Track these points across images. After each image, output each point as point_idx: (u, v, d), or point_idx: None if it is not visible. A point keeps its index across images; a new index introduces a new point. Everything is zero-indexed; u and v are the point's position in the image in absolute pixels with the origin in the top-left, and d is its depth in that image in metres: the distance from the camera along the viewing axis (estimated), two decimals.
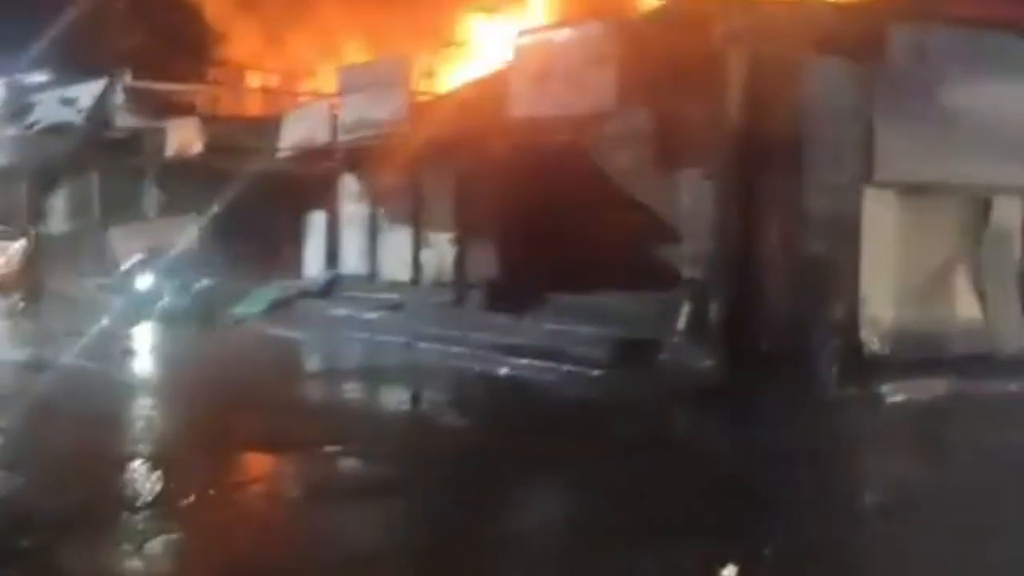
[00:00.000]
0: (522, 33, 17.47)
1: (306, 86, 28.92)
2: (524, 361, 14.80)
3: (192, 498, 8.13)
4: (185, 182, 25.64)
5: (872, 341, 13.91)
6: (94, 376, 13.85)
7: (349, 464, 9.79)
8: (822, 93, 13.61)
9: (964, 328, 14.82)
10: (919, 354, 14.29)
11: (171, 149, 25.53)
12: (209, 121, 26.23)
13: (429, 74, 23.32)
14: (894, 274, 14.22)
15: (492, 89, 18.02)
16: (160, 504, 8.12)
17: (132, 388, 13.90)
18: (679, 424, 11.43)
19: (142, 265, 22.71)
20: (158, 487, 8.53)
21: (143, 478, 8.98)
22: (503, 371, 14.76)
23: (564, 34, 16.38)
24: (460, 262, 19.33)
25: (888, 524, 7.92)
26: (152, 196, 27.48)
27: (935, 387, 12.97)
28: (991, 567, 6.78)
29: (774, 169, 13.60)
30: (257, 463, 10.27)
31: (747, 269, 13.59)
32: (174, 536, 7.38)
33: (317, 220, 23.23)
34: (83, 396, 12.22)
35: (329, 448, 10.05)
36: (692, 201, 14.52)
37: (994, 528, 7.69)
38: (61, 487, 8.56)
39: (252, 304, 21.84)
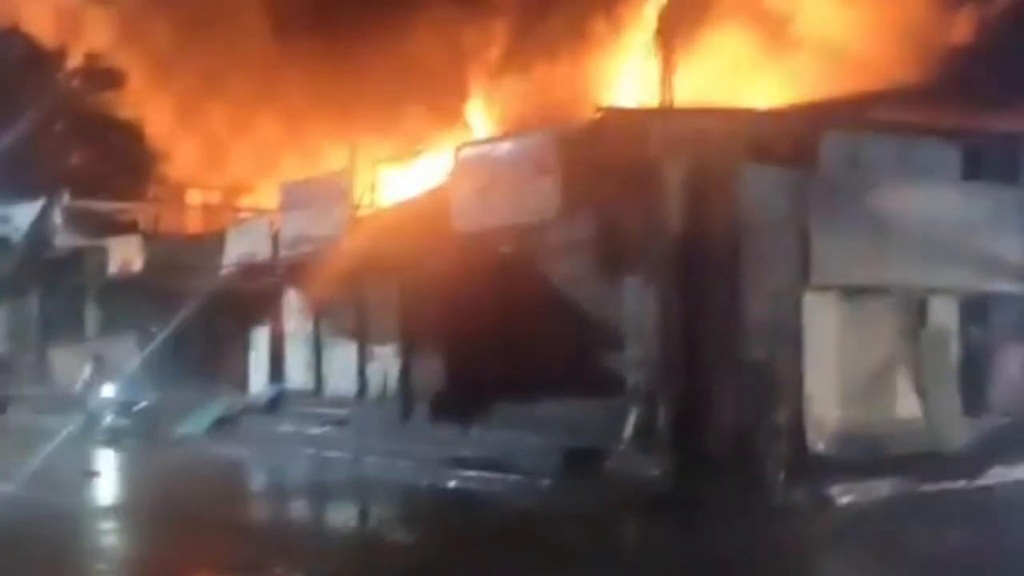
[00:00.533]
0: (463, 146, 17.68)
1: (247, 202, 28.95)
2: (472, 473, 14.69)
3: None
4: (126, 300, 25.47)
5: (817, 443, 14.00)
6: (45, 504, 13.47)
7: None
8: (758, 199, 13.86)
9: (906, 427, 14.96)
10: (864, 454, 14.38)
11: (112, 267, 25.38)
12: (150, 238, 26.16)
13: (371, 187, 23.43)
14: (836, 376, 14.37)
15: (435, 201, 18.16)
16: None
17: (79, 515, 13.53)
18: (628, 534, 11.35)
19: (91, 382, 22.35)
20: None
21: None
22: (451, 484, 14.63)
23: (505, 146, 16.63)
24: (405, 374, 19.24)
25: None
26: (93, 314, 27.22)
27: (880, 488, 13.05)
28: None
29: (714, 275, 13.78)
30: None
31: (691, 375, 13.67)
32: None
33: (261, 335, 23.06)
34: (35, 525, 11.86)
35: (276, 570, 9.85)
36: (635, 307, 14.62)
37: None
38: None
39: (196, 421, 21.54)
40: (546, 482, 13.81)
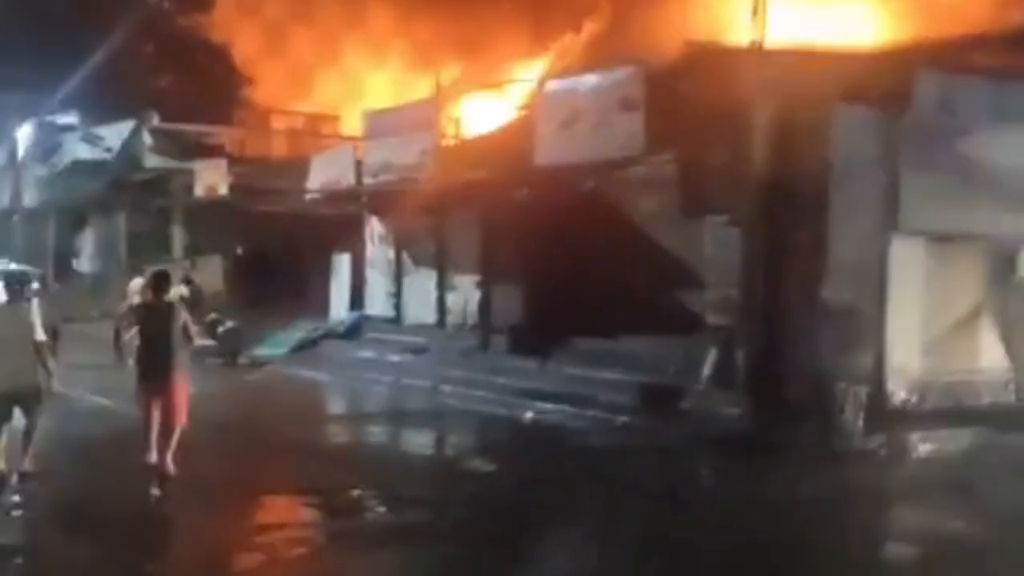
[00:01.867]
0: (548, 79, 17.59)
1: (332, 129, 29.15)
2: (549, 406, 14.82)
3: (221, 543, 8.16)
4: (212, 222, 25.89)
5: (898, 390, 13.87)
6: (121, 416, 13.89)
7: (375, 509, 9.78)
8: (848, 142, 13.64)
9: (989, 378, 14.77)
10: (945, 404, 14.24)
11: (198, 190, 25.74)
12: (236, 162, 26.48)
13: (456, 119, 23.47)
14: (920, 323, 14.19)
15: (518, 135, 18.15)
16: (189, 548, 8.18)
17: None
18: (705, 474, 11.41)
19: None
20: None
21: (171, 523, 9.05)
22: (528, 416, 14.77)
23: (591, 80, 16.48)
24: (485, 306, 19.39)
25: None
26: (179, 236, 27.72)
27: (960, 437, 12.91)
28: None
29: (800, 217, 13.63)
30: (284, 507, 10.31)
31: (773, 317, 13.60)
32: None
33: (342, 262, 23.35)
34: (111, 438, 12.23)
35: (355, 492, 10.05)
36: (717, 248, 14.56)
37: None
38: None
39: (278, 344, 21.95)
40: (623, 418, 13.89)
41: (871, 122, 13.89)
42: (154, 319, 9.99)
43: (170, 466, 9.68)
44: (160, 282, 10.48)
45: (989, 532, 9.23)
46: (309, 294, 23.12)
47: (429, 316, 21.06)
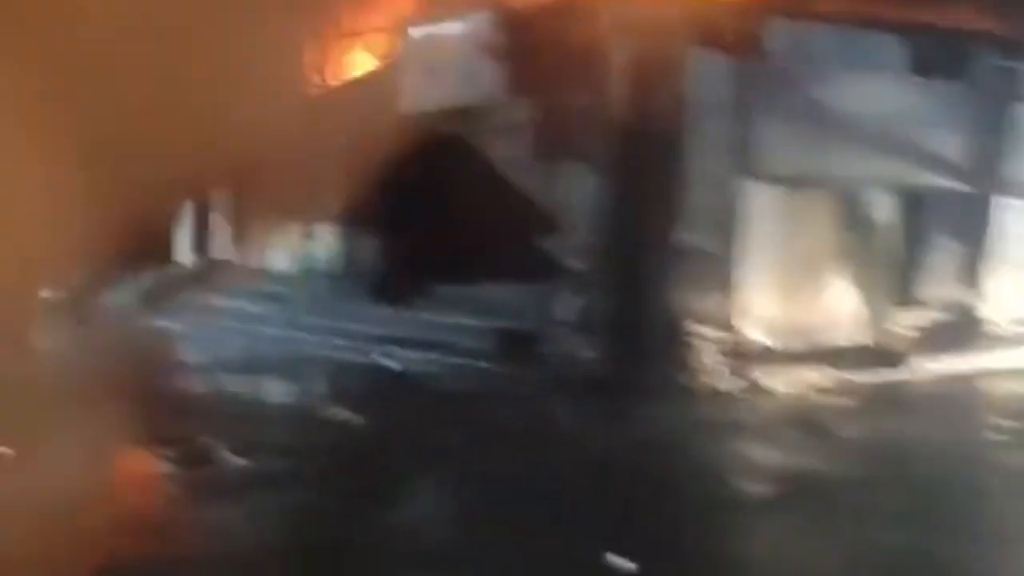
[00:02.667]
0: (412, 25, 17.35)
1: None
2: (409, 353, 14.69)
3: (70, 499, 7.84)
4: None
5: (753, 333, 14.16)
6: None
7: (231, 458, 9.55)
8: (703, 87, 13.77)
9: (840, 319, 15.20)
10: (798, 346, 14.62)
11: None
12: None
13: (319, 67, 22.92)
14: (774, 267, 14.49)
15: (382, 81, 17.86)
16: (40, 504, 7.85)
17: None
18: (563, 417, 11.45)
19: None
20: None
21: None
22: (387, 363, 14.63)
23: (453, 26, 16.28)
24: (344, 253, 19.12)
25: (775, 515, 8.04)
26: None
27: (811, 377, 13.25)
28: (871, 556, 6.91)
29: (655, 162, 13.71)
30: (136, 459, 9.98)
31: (630, 261, 13.69)
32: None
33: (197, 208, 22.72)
34: None
35: (209, 442, 9.80)
36: (574, 192, 14.58)
37: (876, 514, 7.87)
38: None
39: (126, 293, 21.27)
40: (482, 364, 13.86)
41: (726, 68, 14.04)
42: None
43: None
44: None
45: (839, 466, 9.49)
46: (159, 240, 22.40)
47: (287, 264, 20.65)
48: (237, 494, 8.43)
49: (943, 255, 16.51)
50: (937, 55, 16.10)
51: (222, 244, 21.96)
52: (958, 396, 13.39)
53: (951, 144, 15.99)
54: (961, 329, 16.02)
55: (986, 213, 16.54)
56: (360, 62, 23.38)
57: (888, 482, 8.82)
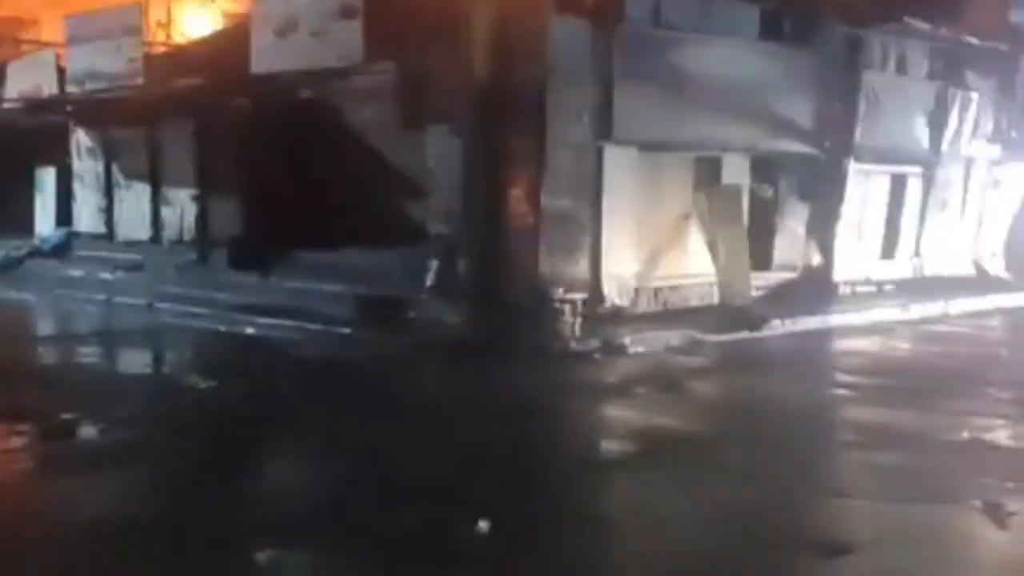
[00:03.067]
0: None
1: (30, 34, 27.26)
2: (270, 320, 14.53)
3: None
4: None
5: (612, 295, 14.41)
6: None
7: (88, 432, 9.37)
8: (563, 52, 13.89)
9: (697, 281, 15.57)
10: (656, 307, 14.95)
11: None
12: None
13: (164, 24, 22.41)
14: (633, 230, 14.75)
15: (234, 41, 17.50)
16: None
17: None
18: (427, 381, 11.50)
19: None
20: None
21: None
22: (249, 331, 14.46)
23: None
24: (202, 220, 18.79)
25: (630, 472, 8.24)
26: None
27: (670, 338, 13.55)
28: (724, 510, 7.15)
29: (518, 126, 13.79)
30: None
31: (493, 225, 13.77)
32: None
33: (48, 176, 22.07)
34: None
35: (66, 415, 9.59)
36: (438, 157, 14.58)
37: (728, 469, 8.14)
38: None
39: None
40: (346, 331, 13.81)
41: (585, 32, 14.18)
42: None
43: None
44: None
45: (691, 423, 9.78)
46: (11, 210, 21.72)
47: (143, 232, 20.20)
48: (95, 466, 8.27)
49: (794, 218, 17.05)
50: (786, 22, 16.54)
51: (80, 215, 21.42)
52: (806, 354, 13.86)
53: (802, 109, 16.48)
54: (810, 289, 16.59)
55: (834, 177, 17.11)
56: (211, 21, 22.95)
57: (739, 438, 9.11)
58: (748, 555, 6.39)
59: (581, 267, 14.16)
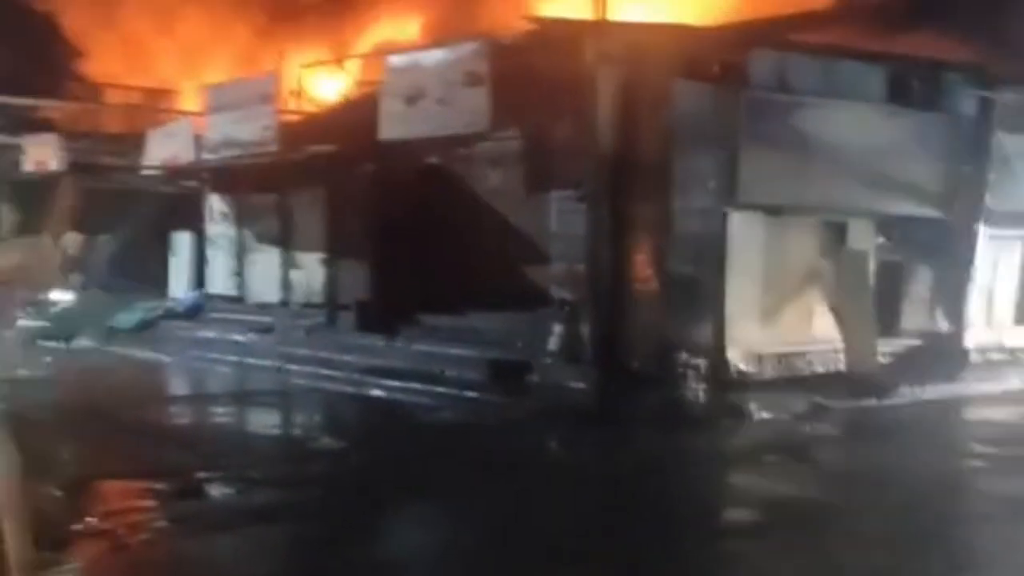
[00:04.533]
0: (394, 53, 17.46)
1: (170, 104, 28.37)
2: (397, 383, 14.76)
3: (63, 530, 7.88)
4: (42, 200, 24.92)
5: (737, 360, 14.29)
6: None
7: (222, 491, 9.61)
8: (688, 116, 13.95)
9: (823, 347, 15.34)
10: (781, 373, 14.75)
11: (27, 166, 24.77)
12: (68, 138, 25.54)
13: (298, 93, 23.12)
14: (758, 295, 14.64)
15: (363, 109, 17.97)
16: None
17: None
18: (553, 445, 11.54)
19: None
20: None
21: None
22: (376, 393, 14.70)
23: (436, 55, 16.42)
24: (331, 283, 19.20)
25: (758, 540, 8.15)
26: (7, 214, 26.61)
27: (796, 404, 13.38)
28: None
29: (642, 190, 13.87)
30: (125, 492, 10.00)
31: (617, 290, 13.82)
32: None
33: (183, 240, 22.83)
34: None
35: (200, 474, 9.84)
36: (563, 223, 14.70)
37: (854, 539, 7.99)
38: None
39: (117, 324, 21.33)
40: (471, 394, 13.94)
41: (710, 97, 14.22)
42: None
43: None
44: None
45: (820, 492, 9.62)
46: (147, 273, 22.52)
47: (273, 294, 20.76)
48: (230, 526, 8.46)
49: (922, 283, 16.72)
50: (914, 85, 16.36)
51: (213, 277, 22.08)
52: (937, 423, 13.53)
53: (929, 172, 16.21)
54: (940, 356, 16.20)
55: (964, 241, 16.75)
56: (341, 89, 23.59)
57: (868, 507, 8.95)
58: None
59: (706, 332, 14.07)
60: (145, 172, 22.82)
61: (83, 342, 20.27)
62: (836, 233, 15.79)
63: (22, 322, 20.70)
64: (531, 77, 14.64)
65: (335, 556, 7.59)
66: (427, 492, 9.41)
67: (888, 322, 16.03)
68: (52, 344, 19.72)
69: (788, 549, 7.82)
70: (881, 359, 15.38)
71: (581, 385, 13.41)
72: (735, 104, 14.31)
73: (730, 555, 7.90)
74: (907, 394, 14.35)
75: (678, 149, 13.76)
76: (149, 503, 9.37)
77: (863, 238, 15.92)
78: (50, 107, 28.37)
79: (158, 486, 9.63)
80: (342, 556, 7.59)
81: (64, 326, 20.22)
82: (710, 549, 7.87)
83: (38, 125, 26.75)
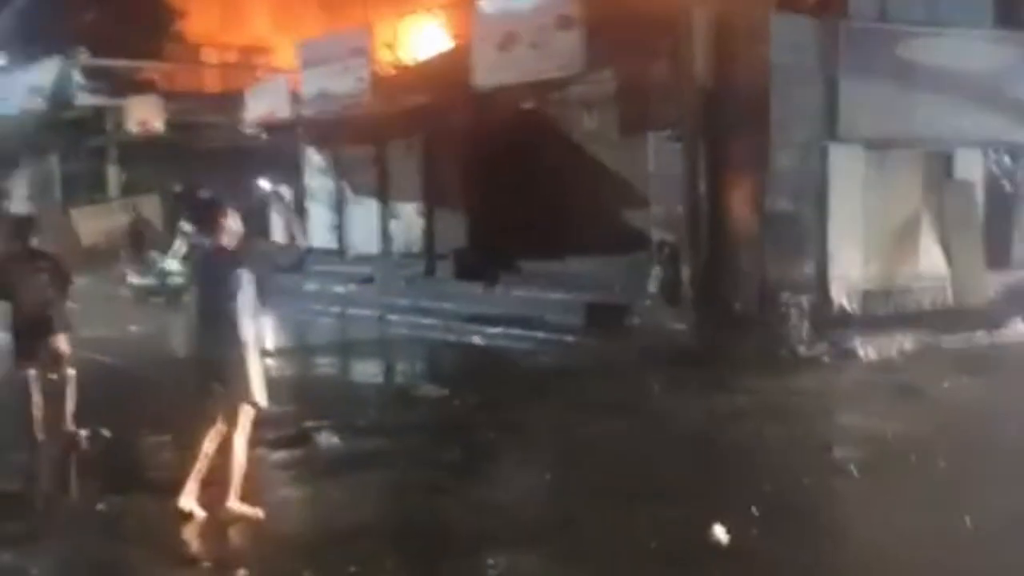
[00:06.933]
0: (485, 0, 17.34)
1: (265, 61, 28.67)
2: (497, 330, 14.82)
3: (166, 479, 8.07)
4: (147, 159, 25.48)
5: (841, 297, 14.05)
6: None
7: (327, 438, 9.73)
8: (785, 50, 13.66)
9: (930, 282, 15.01)
10: (887, 308, 14.46)
11: (131, 126, 25.29)
12: (169, 98, 26.00)
13: (390, 45, 23.12)
14: (861, 231, 14.35)
15: (456, 58, 17.95)
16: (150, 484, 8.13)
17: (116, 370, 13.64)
18: (655, 387, 11.43)
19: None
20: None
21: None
22: (476, 340, 14.78)
23: (526, 0, 16.27)
24: (429, 233, 19.32)
25: (865, 477, 8.01)
26: (114, 174, 27.27)
27: (903, 341, 13.11)
28: (963, 516, 6.86)
29: (740, 128, 13.64)
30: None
31: (717, 230, 13.65)
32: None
33: (283, 195, 23.09)
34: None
35: (305, 423, 9.99)
36: (660, 163, 14.57)
37: (964, 476, 7.82)
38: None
39: None
40: (571, 338, 13.93)
41: (808, 29, 13.93)
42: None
43: (74, 429, 9.28)
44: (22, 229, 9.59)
45: (928, 432, 9.39)
46: (250, 228, 22.82)
47: (373, 246, 20.96)
48: (336, 472, 8.59)
49: None
50: (1022, 6, 15.77)
51: (313, 230, 22.32)
52: None
53: None
54: None
55: None
56: (434, 39, 23.55)
57: (979, 445, 8.74)
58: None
59: (807, 270, 13.87)
60: (245, 129, 23.12)
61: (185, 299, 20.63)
62: (942, 164, 15.39)
63: (132, 280, 21.17)
64: (624, 17, 14.45)
65: (437, 501, 7.66)
66: (527, 436, 9.45)
67: (998, 254, 15.60)
68: (162, 301, 20.14)
69: (896, 487, 7.68)
70: (991, 293, 14.99)
71: (681, 327, 13.31)
72: (834, 35, 13.98)
73: (838, 494, 7.79)
74: (1019, 328, 13.95)
75: (776, 84, 13.48)
76: (256, 452, 9.56)
77: (970, 169, 15.49)
78: (150, 68, 28.92)
79: (265, 435, 9.80)
80: (443, 501, 7.65)
81: (171, 283, 20.60)
82: (819, 488, 7.77)
83: (140, 86, 27.31)
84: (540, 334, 14.28)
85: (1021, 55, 15.34)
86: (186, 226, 20.27)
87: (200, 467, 7.36)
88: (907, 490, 7.66)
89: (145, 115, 25.14)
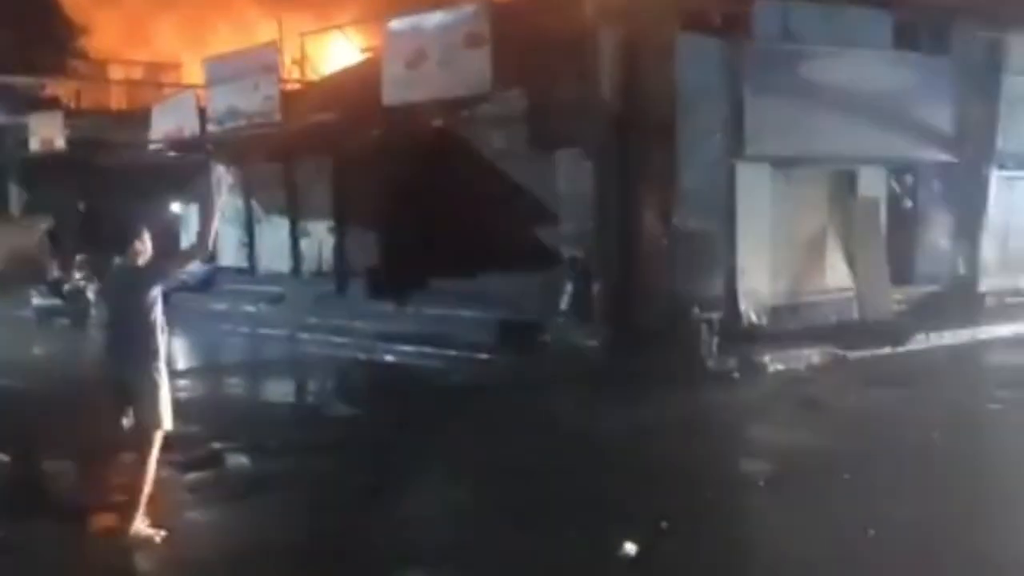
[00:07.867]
0: (393, 17, 17.31)
1: (173, 78, 28.29)
2: (409, 348, 14.77)
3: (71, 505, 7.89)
4: (50, 177, 24.92)
5: (749, 312, 14.23)
6: None
7: (236, 460, 9.58)
8: (692, 70, 13.83)
9: (836, 296, 15.27)
10: (794, 323, 14.69)
11: (33, 144, 24.76)
12: (73, 115, 25.51)
13: (299, 62, 22.99)
14: (768, 246, 14.55)
15: (365, 75, 17.87)
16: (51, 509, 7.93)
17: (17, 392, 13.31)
18: (566, 404, 11.48)
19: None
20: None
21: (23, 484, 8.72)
22: (388, 359, 14.71)
23: (436, 18, 16.27)
24: (340, 251, 19.18)
25: (772, 489, 8.11)
26: (15, 193, 26.64)
27: (810, 355, 13.32)
28: (869, 526, 6.97)
29: (648, 146, 13.78)
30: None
31: (626, 247, 13.76)
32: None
33: (190, 213, 22.78)
34: None
35: (214, 444, 9.82)
36: (570, 181, 14.63)
37: (871, 488, 7.95)
38: None
39: None
40: (484, 356, 13.92)
41: (714, 50, 14.10)
42: None
43: None
44: None
45: (834, 442, 9.56)
46: (158, 246, 22.43)
47: (283, 264, 20.76)
48: (244, 494, 8.46)
49: (935, 229, 16.61)
50: (920, 30, 16.18)
51: (222, 249, 22.04)
52: (953, 368, 13.43)
53: (939, 117, 16.04)
54: (955, 302, 16.10)
55: (977, 185, 16.61)
56: (344, 56, 23.45)
57: (885, 456, 8.90)
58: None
59: (716, 286, 14.02)
60: (151, 146, 22.75)
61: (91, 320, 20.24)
62: (846, 182, 15.69)
63: (36, 300, 20.69)
64: (532, 37, 14.53)
65: (349, 521, 7.58)
66: (439, 456, 9.39)
67: (902, 269, 15.94)
68: (67, 322, 19.70)
69: (803, 500, 7.79)
70: (895, 307, 15.31)
71: (593, 343, 13.38)
72: (739, 55, 14.18)
73: (746, 507, 7.87)
74: (923, 341, 14.27)
75: (683, 103, 13.64)
76: (163, 474, 9.37)
77: (873, 186, 15.82)
78: (54, 85, 28.37)
79: (172, 457, 9.61)
80: (357, 520, 7.58)
81: (76, 305, 20.16)
82: (726, 502, 7.83)
83: (43, 103, 26.75)
84: (452, 352, 14.24)
85: (919, 76, 15.72)
86: (85, 249, 19.89)
87: (147, 491, 7.18)
88: (812, 501, 7.77)
89: (48, 133, 24.61)
